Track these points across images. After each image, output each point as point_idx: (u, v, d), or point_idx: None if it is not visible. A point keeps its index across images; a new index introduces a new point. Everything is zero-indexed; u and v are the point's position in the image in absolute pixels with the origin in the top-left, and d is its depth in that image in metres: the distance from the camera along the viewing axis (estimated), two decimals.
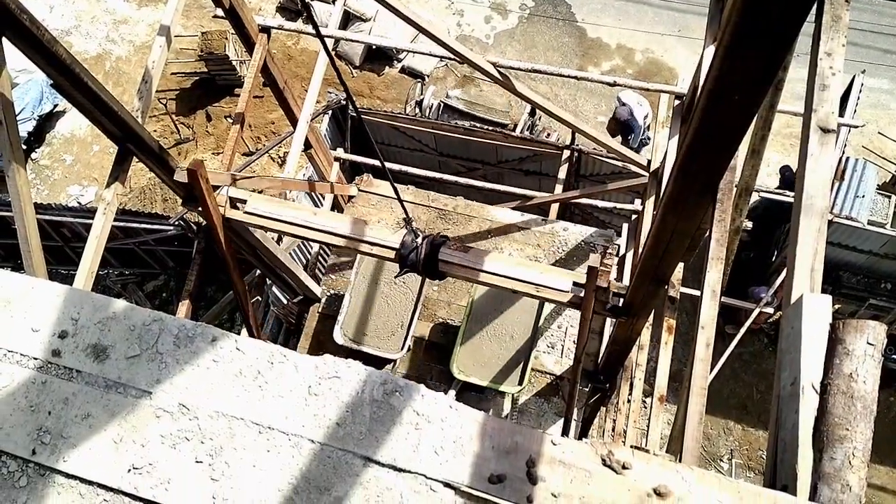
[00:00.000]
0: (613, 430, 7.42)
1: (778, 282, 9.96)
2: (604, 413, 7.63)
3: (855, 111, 10.76)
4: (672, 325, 5.95)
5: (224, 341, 2.83)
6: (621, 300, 4.62)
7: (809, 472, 2.39)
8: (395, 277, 5.16)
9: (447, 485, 2.53)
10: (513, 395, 7.73)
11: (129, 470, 2.64)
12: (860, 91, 10.88)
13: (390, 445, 2.60)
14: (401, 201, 5.26)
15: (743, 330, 9.07)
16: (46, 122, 15.66)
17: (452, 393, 7.77)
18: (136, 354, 2.82)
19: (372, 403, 2.67)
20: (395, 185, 5.24)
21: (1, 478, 2.67)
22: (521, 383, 7.48)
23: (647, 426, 6.43)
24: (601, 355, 7.55)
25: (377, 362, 7.79)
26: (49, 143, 15.68)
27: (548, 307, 7.84)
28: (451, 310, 8.45)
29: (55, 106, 15.46)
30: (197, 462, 2.63)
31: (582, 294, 4.69)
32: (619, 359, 6.43)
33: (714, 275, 4.34)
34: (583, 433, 7.72)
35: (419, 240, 5.04)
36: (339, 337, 7.79)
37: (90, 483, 2.64)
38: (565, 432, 6.46)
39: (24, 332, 2.89)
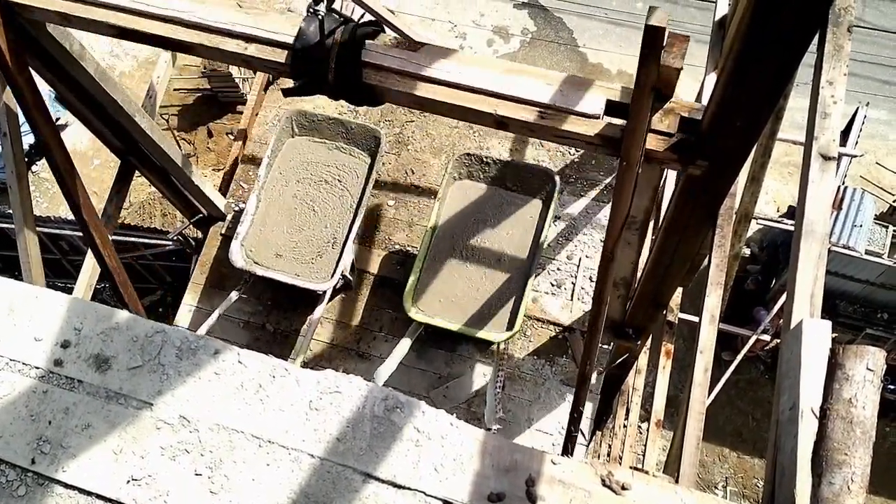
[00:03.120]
0: (609, 455, 7.34)
1: (776, 308, 9.98)
2: (599, 438, 7.55)
3: (857, 142, 10.85)
4: (670, 350, 5.93)
5: (226, 354, 2.84)
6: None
7: (808, 497, 2.39)
8: (286, 97, 3.01)
9: (446, 503, 2.53)
10: (498, 345, 5.52)
11: (129, 481, 2.64)
12: (863, 122, 10.99)
13: (390, 462, 2.60)
14: None
15: (740, 356, 9.07)
16: None
17: (407, 342, 5.34)
18: (139, 365, 2.83)
19: (373, 419, 2.68)
20: None
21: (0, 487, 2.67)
22: (510, 328, 5.35)
23: (644, 451, 6.38)
24: (633, 290, 4.96)
25: (296, 295, 5.65)
26: None
27: (551, 230, 5.48)
28: (413, 233, 6.07)
29: (57, 119, 15.51)
30: (196, 475, 2.63)
31: (623, 124, 2.69)
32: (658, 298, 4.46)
33: (713, 299, 4.36)
34: (598, 418, 6.18)
35: (325, 19, 2.91)
36: (237, 257, 5.50)
37: (89, 493, 2.64)
38: (577, 405, 4.96)
39: (26, 341, 2.89)
